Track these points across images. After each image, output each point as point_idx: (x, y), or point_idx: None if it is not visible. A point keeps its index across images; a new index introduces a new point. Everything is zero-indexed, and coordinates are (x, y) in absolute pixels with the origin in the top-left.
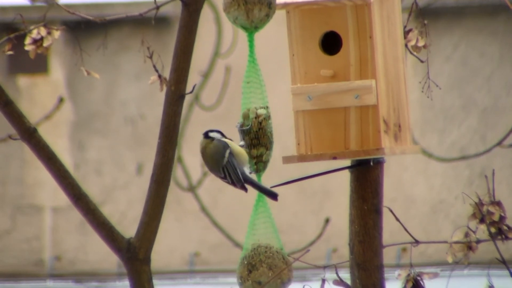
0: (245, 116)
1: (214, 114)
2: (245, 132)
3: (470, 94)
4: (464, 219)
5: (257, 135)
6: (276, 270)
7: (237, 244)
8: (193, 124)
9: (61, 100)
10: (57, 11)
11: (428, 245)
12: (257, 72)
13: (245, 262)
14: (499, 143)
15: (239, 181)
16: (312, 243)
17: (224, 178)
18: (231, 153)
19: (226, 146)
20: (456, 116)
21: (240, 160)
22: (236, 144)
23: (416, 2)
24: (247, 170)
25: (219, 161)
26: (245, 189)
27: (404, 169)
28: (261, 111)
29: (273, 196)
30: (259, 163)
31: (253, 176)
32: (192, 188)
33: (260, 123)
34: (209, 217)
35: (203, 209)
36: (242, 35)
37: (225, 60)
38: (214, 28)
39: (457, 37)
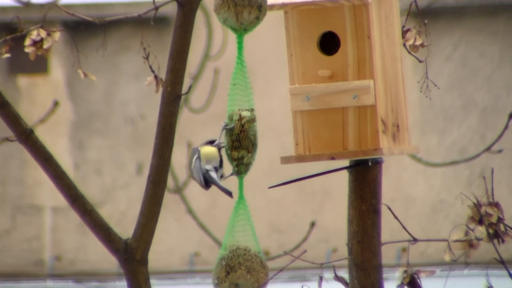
0: (230, 118)
1: (204, 116)
2: (227, 131)
3: (470, 94)
4: (464, 220)
5: (239, 138)
6: (254, 274)
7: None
8: (183, 126)
9: (56, 103)
10: (56, 12)
11: (428, 245)
12: (244, 74)
13: (223, 263)
14: (487, 149)
15: (201, 182)
16: (297, 246)
17: (197, 182)
18: (197, 158)
19: (195, 151)
20: (456, 116)
21: (206, 159)
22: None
23: (416, 3)
24: (210, 167)
25: (189, 168)
26: (207, 188)
27: (404, 169)
28: (245, 114)
29: (228, 194)
30: (240, 166)
31: (231, 179)
32: (178, 190)
33: (243, 125)
34: (196, 220)
35: (190, 211)
36: (233, 37)
37: (216, 62)
38: (204, 31)
39: (457, 37)
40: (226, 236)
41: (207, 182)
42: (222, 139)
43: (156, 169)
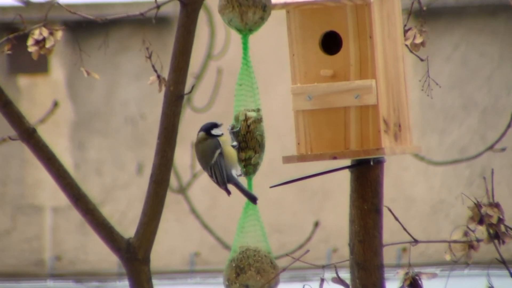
0: (237, 119)
1: (208, 116)
2: (235, 134)
3: (470, 94)
4: (464, 220)
5: (245, 138)
6: (264, 275)
7: (227, 247)
8: (186, 126)
9: (55, 104)
10: (57, 11)
11: (428, 246)
12: (250, 75)
13: (233, 265)
14: (490, 147)
15: (223, 183)
16: (300, 246)
17: (211, 176)
18: (220, 154)
19: (217, 146)
20: (456, 116)
21: (229, 161)
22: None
23: (420, 1)
24: (235, 172)
25: (208, 160)
26: (228, 192)
27: (404, 169)
28: (251, 114)
29: (253, 199)
30: (248, 166)
31: (243, 179)
32: (182, 190)
33: (249, 126)
34: (199, 219)
35: (193, 211)
36: (236, 36)
37: (219, 62)
38: (206, 30)
39: (457, 37)
40: (236, 237)
41: (229, 182)
42: (235, 141)
43: (158, 169)
